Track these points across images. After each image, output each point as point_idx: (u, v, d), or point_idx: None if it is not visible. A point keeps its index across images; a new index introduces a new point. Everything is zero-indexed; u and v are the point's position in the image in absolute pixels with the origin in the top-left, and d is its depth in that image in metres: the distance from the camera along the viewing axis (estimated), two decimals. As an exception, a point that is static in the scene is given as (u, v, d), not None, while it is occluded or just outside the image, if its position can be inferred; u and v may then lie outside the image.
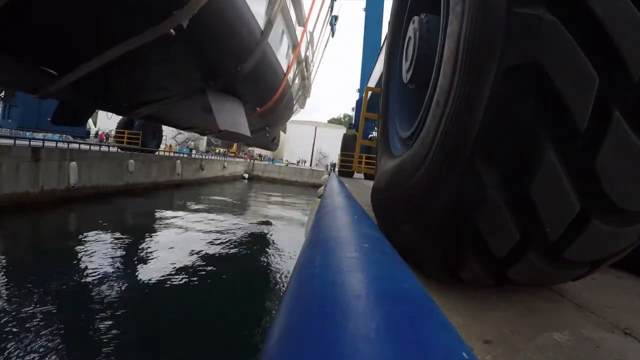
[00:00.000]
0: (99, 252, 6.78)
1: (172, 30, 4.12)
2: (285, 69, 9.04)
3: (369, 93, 8.25)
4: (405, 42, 1.67)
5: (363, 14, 18.31)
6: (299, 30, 9.69)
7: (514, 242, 0.81)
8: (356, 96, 19.51)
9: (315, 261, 0.71)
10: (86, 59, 4.22)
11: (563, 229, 0.76)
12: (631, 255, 0.98)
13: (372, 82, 9.91)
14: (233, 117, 7.04)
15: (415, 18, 1.51)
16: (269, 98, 9.15)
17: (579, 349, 0.74)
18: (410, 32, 1.59)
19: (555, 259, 0.83)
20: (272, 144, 14.29)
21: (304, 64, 11.14)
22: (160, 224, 10.03)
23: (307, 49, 11.46)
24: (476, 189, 0.79)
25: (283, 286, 6.60)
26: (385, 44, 3.30)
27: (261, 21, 6.34)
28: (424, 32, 1.43)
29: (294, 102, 12.73)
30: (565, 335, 0.80)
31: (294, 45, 9.40)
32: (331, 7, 15.63)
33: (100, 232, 8.18)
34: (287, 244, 9.32)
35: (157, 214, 11.34)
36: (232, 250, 8.47)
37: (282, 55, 8.53)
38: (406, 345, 0.38)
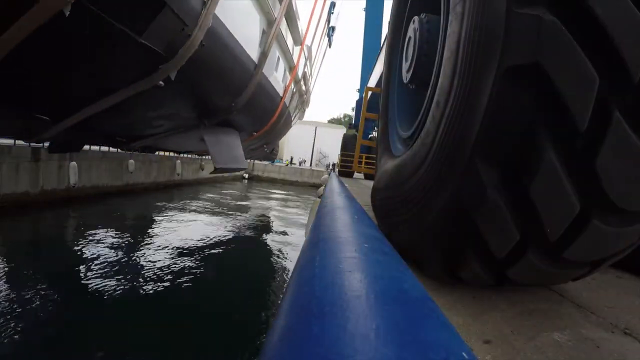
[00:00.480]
0: (103, 253, 6.79)
1: (160, 82, 4.10)
2: (282, 92, 8.87)
3: (369, 93, 8.26)
4: (405, 42, 1.67)
5: (363, 14, 18.34)
6: (296, 49, 9.53)
7: (514, 242, 0.81)
8: (356, 96, 19.52)
9: (315, 261, 0.71)
10: (77, 109, 4.24)
11: (563, 229, 0.76)
12: (631, 255, 0.98)
13: (372, 82, 9.92)
14: (229, 151, 6.93)
15: (416, 18, 1.51)
16: (266, 122, 9.02)
17: (579, 349, 0.74)
18: (410, 32, 1.59)
19: (555, 259, 0.83)
20: (270, 154, 14.23)
21: (302, 81, 11.00)
22: (161, 222, 10.05)
23: (305, 65, 11.28)
24: (476, 189, 0.79)
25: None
26: (385, 44, 3.30)
27: (255, 55, 6.20)
28: (424, 32, 1.43)
29: (293, 117, 12.62)
30: (565, 335, 0.80)
31: (291, 68, 9.25)
32: (328, 20, 15.42)
33: (103, 232, 8.19)
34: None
35: (158, 213, 11.35)
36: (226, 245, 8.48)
37: (279, 79, 8.36)
38: (406, 345, 0.38)
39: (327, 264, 0.67)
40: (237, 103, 6.22)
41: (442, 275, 1.04)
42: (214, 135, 6.51)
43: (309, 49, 11.58)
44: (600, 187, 0.70)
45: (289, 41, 8.52)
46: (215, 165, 6.33)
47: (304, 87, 11.66)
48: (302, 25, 10.12)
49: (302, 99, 12.57)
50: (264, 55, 6.37)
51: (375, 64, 10.29)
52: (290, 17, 8.38)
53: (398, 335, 0.40)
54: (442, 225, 0.92)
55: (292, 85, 9.67)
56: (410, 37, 1.58)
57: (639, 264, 1.43)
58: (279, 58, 7.91)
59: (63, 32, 2.73)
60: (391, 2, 2.19)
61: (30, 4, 2.39)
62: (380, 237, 1.00)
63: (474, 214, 0.82)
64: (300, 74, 10.27)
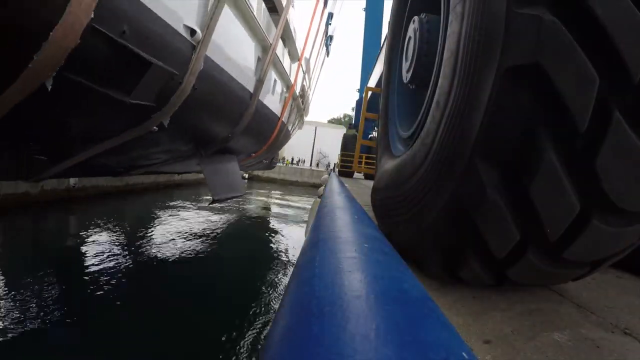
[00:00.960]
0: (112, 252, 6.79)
1: (155, 127, 4.04)
2: (280, 112, 8.69)
3: (369, 93, 8.28)
4: (405, 42, 1.67)
5: (362, 14, 18.36)
6: (293, 66, 9.40)
7: (514, 242, 0.81)
8: (356, 96, 19.54)
9: (315, 261, 0.71)
10: (72, 154, 4.22)
11: (563, 229, 0.76)
12: (631, 255, 0.98)
13: (372, 82, 9.95)
14: (227, 180, 6.82)
15: (416, 18, 1.51)
16: (264, 143, 8.86)
17: (579, 349, 0.74)
18: (410, 32, 1.59)
19: (555, 259, 0.83)
20: (270, 164, 14.18)
21: (300, 98, 10.88)
22: (165, 220, 10.07)
23: (303, 79, 11.10)
24: (476, 189, 0.79)
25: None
26: (385, 44, 3.30)
27: (251, 85, 5.99)
28: (424, 32, 1.43)
29: (292, 130, 12.53)
30: (565, 335, 0.80)
31: (289, 86, 9.16)
32: (326, 31, 15.23)
33: (106, 232, 8.20)
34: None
35: (161, 211, 11.37)
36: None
37: (276, 100, 8.14)
38: (406, 345, 0.38)
39: (327, 264, 0.67)
40: (234, 132, 6.15)
41: (442, 275, 1.04)
42: (212, 164, 6.40)
43: (307, 61, 11.39)
44: (600, 187, 0.70)
45: (286, 60, 8.40)
46: (213, 197, 6.23)
47: (302, 102, 11.55)
48: (300, 36, 9.98)
49: (301, 112, 12.46)
50: (260, 82, 6.23)
51: (375, 64, 10.30)
52: (287, 35, 8.22)
53: (398, 335, 0.40)
54: (442, 225, 0.92)
55: (291, 101, 9.53)
56: (410, 37, 1.58)
57: (639, 264, 1.43)
58: (275, 80, 7.81)
59: (51, 97, 2.70)
60: (391, 2, 2.19)
61: (11, 81, 2.39)
62: (380, 237, 1.00)
63: (474, 214, 0.82)
64: (298, 89, 10.14)
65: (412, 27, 1.54)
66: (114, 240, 7.77)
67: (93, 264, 6.17)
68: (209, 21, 4.00)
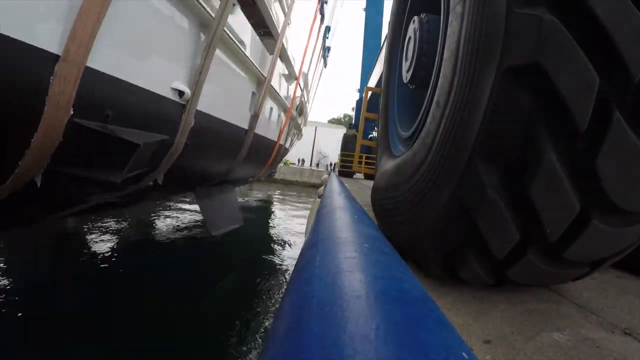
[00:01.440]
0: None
1: (150, 183, 3.96)
2: (277, 136, 8.40)
3: (369, 93, 8.28)
4: (405, 42, 1.67)
5: (362, 14, 18.36)
6: (291, 87, 8.92)
7: (514, 242, 0.81)
8: (356, 96, 19.53)
9: (315, 261, 0.71)
10: (69, 207, 4.21)
11: (563, 229, 0.76)
12: (631, 255, 0.98)
13: (372, 82, 9.94)
14: (224, 212, 6.77)
15: (415, 18, 1.51)
16: (262, 167, 8.60)
17: (579, 349, 0.74)
18: (410, 32, 1.59)
19: (555, 259, 0.83)
20: (269, 175, 14.15)
21: (298, 115, 10.62)
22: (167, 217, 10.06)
23: (301, 95, 10.84)
24: (476, 189, 0.79)
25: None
26: (385, 44, 3.30)
27: (246, 122, 5.83)
28: (424, 32, 1.43)
29: (290, 147, 12.33)
30: (565, 335, 0.80)
31: (286, 109, 8.96)
32: (323, 45, 14.87)
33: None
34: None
35: (162, 210, 11.34)
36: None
37: (273, 126, 7.88)
38: (406, 345, 0.38)
39: (327, 264, 0.67)
40: (230, 169, 6.03)
41: (442, 275, 1.04)
42: (208, 198, 6.29)
43: (305, 76, 11.06)
44: (600, 187, 0.70)
45: (283, 83, 8.21)
46: (211, 232, 6.13)
47: (300, 118, 11.27)
48: (297, 48, 9.65)
49: (299, 127, 12.22)
50: (255, 116, 5.97)
51: (375, 64, 10.30)
52: (284, 56, 8.02)
53: (398, 335, 0.40)
54: (442, 225, 0.92)
55: (289, 121, 9.29)
56: (410, 37, 1.58)
57: (639, 264, 1.43)
58: (272, 108, 7.62)
59: (42, 188, 2.73)
60: (391, 2, 2.19)
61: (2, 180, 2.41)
62: (380, 237, 1.00)
63: (474, 214, 0.82)
64: (296, 109, 9.84)
65: (412, 27, 1.54)
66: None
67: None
68: (198, 76, 3.83)
